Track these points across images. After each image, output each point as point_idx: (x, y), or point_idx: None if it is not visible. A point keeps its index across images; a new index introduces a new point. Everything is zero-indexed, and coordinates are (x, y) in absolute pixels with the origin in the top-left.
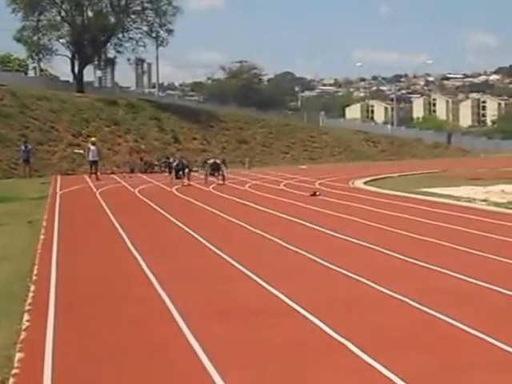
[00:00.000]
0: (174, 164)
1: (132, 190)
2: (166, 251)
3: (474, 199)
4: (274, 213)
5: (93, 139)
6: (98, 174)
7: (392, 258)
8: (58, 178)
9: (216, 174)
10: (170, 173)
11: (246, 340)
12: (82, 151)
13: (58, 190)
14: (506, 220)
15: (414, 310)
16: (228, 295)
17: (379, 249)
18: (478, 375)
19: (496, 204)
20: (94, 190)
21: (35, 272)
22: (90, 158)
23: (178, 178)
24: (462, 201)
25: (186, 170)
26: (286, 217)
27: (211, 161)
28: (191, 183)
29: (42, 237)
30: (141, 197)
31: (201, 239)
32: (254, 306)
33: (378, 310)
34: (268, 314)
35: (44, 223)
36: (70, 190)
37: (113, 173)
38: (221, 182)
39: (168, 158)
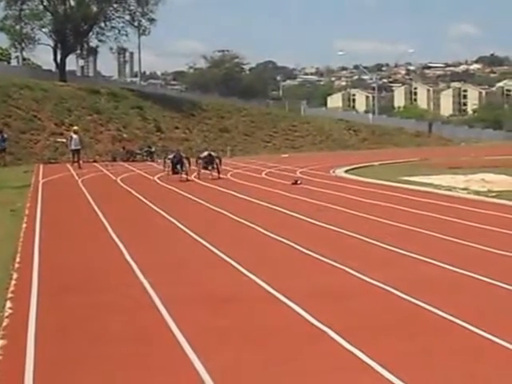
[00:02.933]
0: (171, 156)
1: (114, 178)
2: (148, 239)
3: (455, 188)
4: (256, 201)
5: (75, 128)
6: (81, 162)
7: (373, 246)
8: (41, 166)
9: (210, 167)
10: (164, 167)
11: (227, 326)
12: (64, 140)
13: (40, 178)
14: (486, 208)
15: (395, 297)
16: (209, 282)
17: (359, 237)
18: (457, 362)
19: (476, 192)
20: (77, 178)
21: (18, 260)
22: (73, 147)
23: (175, 172)
24: (442, 189)
25: (186, 165)
26: (268, 205)
27: (205, 153)
28: (190, 178)
29: (24, 225)
30: (123, 185)
31: (182, 227)
32: (235, 293)
33: (359, 298)
34: (249, 301)
35: (27, 211)
36: (52, 179)
37: (95, 161)
38: (216, 176)
39: (150, 147)
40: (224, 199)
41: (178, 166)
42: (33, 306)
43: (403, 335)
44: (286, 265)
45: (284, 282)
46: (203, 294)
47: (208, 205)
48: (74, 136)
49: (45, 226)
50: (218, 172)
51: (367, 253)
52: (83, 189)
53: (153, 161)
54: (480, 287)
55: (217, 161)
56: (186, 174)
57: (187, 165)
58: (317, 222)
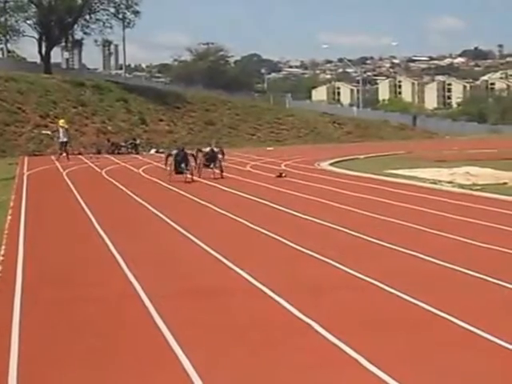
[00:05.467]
0: (173, 153)
1: (99, 170)
2: (133, 232)
3: (440, 181)
4: (240, 194)
5: (62, 120)
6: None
7: (357, 239)
8: (26, 158)
9: (212, 165)
10: (166, 165)
11: (211, 320)
12: (49, 132)
13: (25, 170)
14: (471, 201)
15: (380, 290)
16: (194, 275)
17: (344, 230)
18: (443, 355)
19: (461, 186)
20: (61, 170)
21: (2, 252)
22: (61, 139)
23: (178, 172)
24: (427, 182)
25: (192, 164)
26: (252, 198)
27: (207, 149)
28: (196, 178)
29: (9, 217)
30: (107, 177)
31: (167, 219)
32: (220, 287)
33: (345, 291)
34: (234, 295)
35: (11, 204)
36: (37, 171)
37: (80, 154)
38: (218, 175)
39: (135, 140)
40: (208, 192)
41: (183, 165)
42: (17, 298)
43: (389, 329)
44: (272, 258)
45: (269, 276)
46: (188, 287)
47: (192, 197)
48: (62, 128)
49: (30, 219)
50: (221, 170)
51: (352, 246)
52: (68, 181)
53: (137, 153)
54: (465, 280)
55: (220, 157)
56: (192, 174)
57: (192, 163)
58: (302, 215)
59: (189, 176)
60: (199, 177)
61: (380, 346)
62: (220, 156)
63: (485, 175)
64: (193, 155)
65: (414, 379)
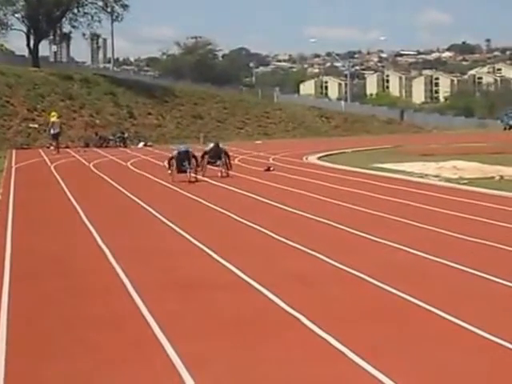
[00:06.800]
0: (175, 152)
1: (87, 164)
2: (121, 225)
3: (427, 175)
4: (228, 187)
5: (54, 113)
6: (56, 146)
7: (344, 232)
8: (14, 152)
9: (218, 162)
10: (169, 165)
11: (199, 313)
12: (36, 125)
13: (13, 164)
14: (458, 195)
15: (366, 283)
16: (182, 269)
17: (331, 223)
18: (428, 348)
19: (448, 180)
20: (49, 164)
21: None
22: (53, 132)
23: (181, 171)
24: (414, 176)
25: (193, 161)
26: (240, 191)
27: (210, 145)
28: (200, 177)
29: None
30: (95, 171)
31: (154, 213)
32: (208, 280)
33: (331, 284)
34: (222, 288)
35: None
36: (25, 164)
37: (68, 147)
38: (224, 174)
39: (123, 133)
40: (196, 185)
41: (186, 164)
42: (5, 290)
43: (376, 322)
44: (259, 251)
45: (257, 268)
46: (175, 279)
47: (180, 190)
48: (54, 120)
49: (18, 212)
50: (227, 167)
51: (339, 239)
52: (56, 174)
53: (126, 147)
54: (450, 273)
55: (224, 155)
56: (196, 172)
57: (194, 162)
58: (289, 209)
59: (192, 175)
60: (203, 175)
61: (368, 339)
62: (224, 155)
63: (471, 169)
64: (194, 156)
65: (399, 371)
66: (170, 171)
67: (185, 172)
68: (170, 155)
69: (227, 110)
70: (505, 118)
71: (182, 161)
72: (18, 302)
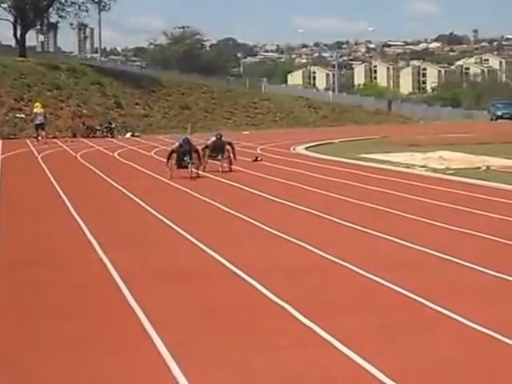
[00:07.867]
0: (175, 146)
1: (74, 154)
2: (108, 215)
3: (414, 165)
4: (216, 178)
5: (37, 104)
6: (43, 136)
7: (331, 222)
8: (0, 142)
9: (220, 156)
10: (168, 159)
11: (186, 302)
12: (23, 116)
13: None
14: (444, 185)
15: (353, 274)
16: (170, 259)
17: (318, 213)
18: (413, 336)
19: (434, 170)
20: (36, 154)
21: None
22: (37, 122)
23: (181, 166)
24: (401, 167)
25: (194, 155)
26: (228, 182)
27: (213, 138)
28: (201, 173)
29: None
30: (82, 161)
31: (142, 203)
32: (195, 270)
33: (318, 274)
34: (209, 278)
35: None
36: (12, 154)
37: (55, 137)
38: (226, 169)
39: (110, 123)
40: (183, 175)
41: (187, 158)
42: None
43: (361, 311)
44: (246, 241)
45: (243, 258)
46: (162, 270)
47: (168, 181)
48: (39, 110)
49: (4, 202)
50: (230, 162)
51: (326, 229)
52: (43, 164)
53: (113, 137)
54: (435, 263)
55: (228, 147)
56: (197, 168)
57: (196, 156)
58: (276, 199)
59: (193, 170)
60: (204, 170)
61: (354, 328)
62: (228, 147)
63: (458, 159)
64: (196, 151)
65: (384, 359)
66: (168, 167)
67: (185, 167)
68: (170, 148)
69: (215, 101)
70: (492, 109)
71: (183, 155)
72: (3, 293)
